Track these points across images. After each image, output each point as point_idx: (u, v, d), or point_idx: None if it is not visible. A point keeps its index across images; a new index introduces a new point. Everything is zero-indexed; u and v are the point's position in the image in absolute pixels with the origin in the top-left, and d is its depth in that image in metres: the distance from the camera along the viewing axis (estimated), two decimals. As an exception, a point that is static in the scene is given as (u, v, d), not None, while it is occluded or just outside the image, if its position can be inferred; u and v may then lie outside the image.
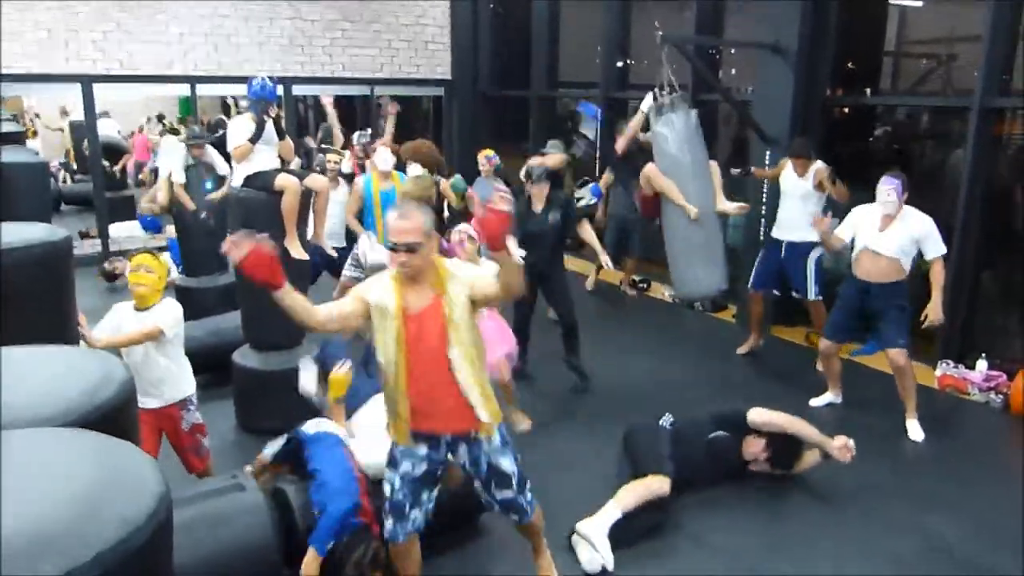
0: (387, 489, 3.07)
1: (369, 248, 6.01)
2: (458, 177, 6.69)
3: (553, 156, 6.59)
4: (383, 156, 6.17)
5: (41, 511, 1.20)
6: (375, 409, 3.64)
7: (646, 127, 6.23)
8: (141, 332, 3.72)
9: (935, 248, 4.94)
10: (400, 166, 6.96)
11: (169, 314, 3.85)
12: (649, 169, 5.97)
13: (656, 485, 3.96)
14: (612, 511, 3.82)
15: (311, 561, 3.13)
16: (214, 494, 3.31)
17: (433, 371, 2.90)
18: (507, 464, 3.06)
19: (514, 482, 3.08)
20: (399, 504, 3.03)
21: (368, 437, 3.63)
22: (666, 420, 4.41)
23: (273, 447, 3.71)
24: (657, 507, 3.97)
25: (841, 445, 4.30)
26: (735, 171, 6.58)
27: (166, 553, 1.33)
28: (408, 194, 5.47)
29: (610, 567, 3.66)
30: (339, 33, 10.45)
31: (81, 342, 3.50)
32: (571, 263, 8.12)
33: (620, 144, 6.51)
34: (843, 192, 5.72)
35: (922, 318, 4.94)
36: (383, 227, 5.94)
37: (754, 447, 4.39)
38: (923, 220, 4.95)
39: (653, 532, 3.95)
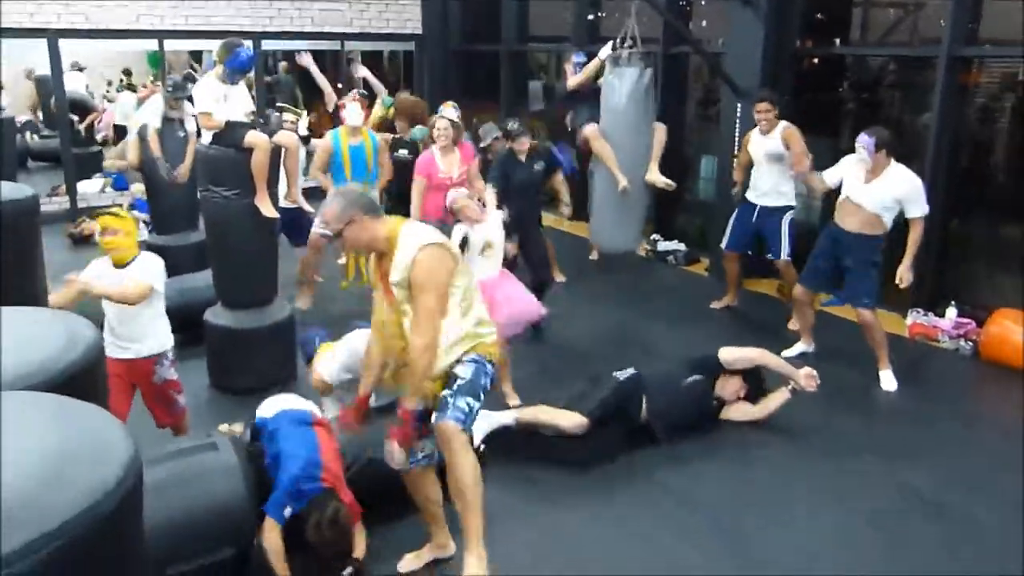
0: None
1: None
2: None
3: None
4: (353, 111, 6.09)
5: (4, 479, 1.18)
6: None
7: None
8: (135, 291, 3.72)
9: (917, 208, 4.95)
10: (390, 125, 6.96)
11: (152, 269, 3.86)
12: (589, 130, 5.99)
13: (565, 419, 4.17)
14: (507, 415, 4.19)
15: (268, 529, 3.11)
16: (187, 453, 3.30)
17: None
18: (462, 370, 3.06)
19: (457, 384, 3.04)
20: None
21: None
22: (623, 373, 4.45)
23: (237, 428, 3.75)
24: (584, 446, 4.16)
25: (807, 374, 4.48)
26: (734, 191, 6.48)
27: (136, 518, 1.33)
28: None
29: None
30: (308, -14, 10.24)
31: (62, 293, 3.50)
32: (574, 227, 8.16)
33: (571, 82, 6.42)
34: (801, 159, 5.56)
35: (897, 279, 4.98)
36: (353, 179, 5.98)
37: (731, 385, 4.57)
38: (908, 179, 4.95)
39: (575, 467, 4.11)
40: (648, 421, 4.37)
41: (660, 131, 6.12)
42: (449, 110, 6.29)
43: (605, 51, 6.01)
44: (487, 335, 3.13)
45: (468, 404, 3.01)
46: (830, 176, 5.26)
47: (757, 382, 4.64)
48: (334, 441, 3.45)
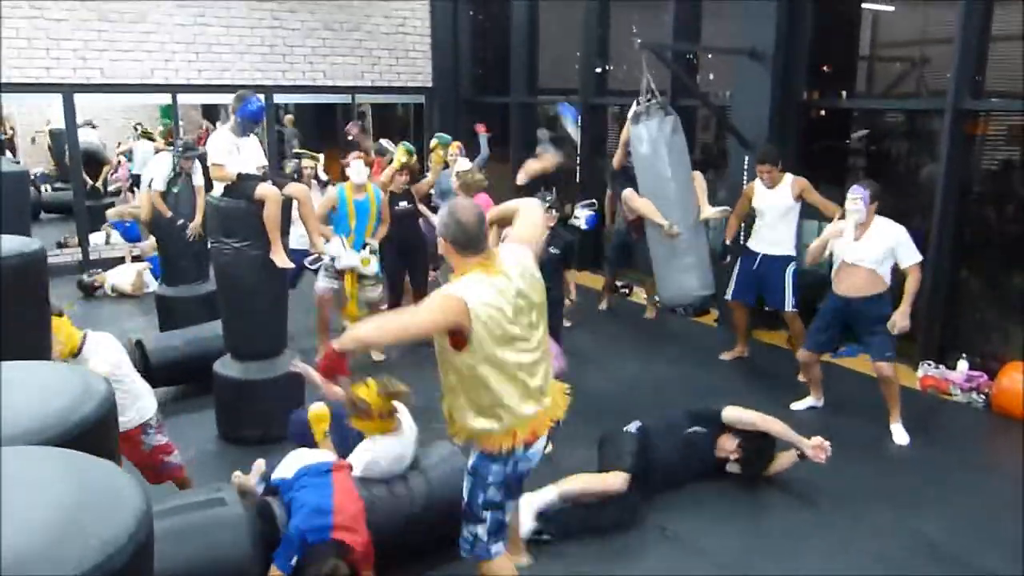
0: None
1: (341, 252, 6.09)
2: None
3: (545, 157, 6.73)
4: (357, 169, 6.19)
5: (16, 533, 1.17)
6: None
7: None
8: None
9: (910, 256, 4.96)
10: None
11: (104, 354, 3.78)
12: (626, 194, 6.06)
13: (611, 480, 4.04)
14: (549, 492, 3.93)
15: None
16: (195, 507, 3.28)
17: None
18: (464, 486, 3.04)
19: (462, 506, 3.04)
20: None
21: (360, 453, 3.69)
22: (632, 426, 4.42)
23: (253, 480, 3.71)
24: (621, 506, 4.03)
25: (816, 444, 4.33)
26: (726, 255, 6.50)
27: (148, 572, 1.33)
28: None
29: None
30: (320, 41, 10.45)
31: None
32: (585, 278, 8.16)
33: (616, 158, 6.62)
34: (828, 205, 5.72)
35: (889, 325, 4.96)
36: (355, 235, 6.15)
37: (727, 444, 4.47)
38: (895, 229, 4.98)
39: (619, 529, 4.00)
40: (646, 470, 4.29)
41: (699, 179, 6.20)
42: (463, 162, 7.11)
43: (630, 113, 6.12)
44: (495, 427, 2.87)
45: (471, 532, 2.99)
46: (818, 248, 5.25)
47: (760, 449, 4.48)
48: (351, 483, 3.43)
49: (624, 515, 4.06)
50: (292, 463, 3.56)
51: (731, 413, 4.49)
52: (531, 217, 3.20)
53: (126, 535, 1.22)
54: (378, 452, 3.64)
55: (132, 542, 1.22)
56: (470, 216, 2.83)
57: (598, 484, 4.05)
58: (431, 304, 2.80)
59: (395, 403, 3.62)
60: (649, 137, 5.88)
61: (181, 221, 6.92)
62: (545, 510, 3.91)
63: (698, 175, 6.23)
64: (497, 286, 2.78)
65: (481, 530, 2.97)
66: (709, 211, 6.11)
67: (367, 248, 6.17)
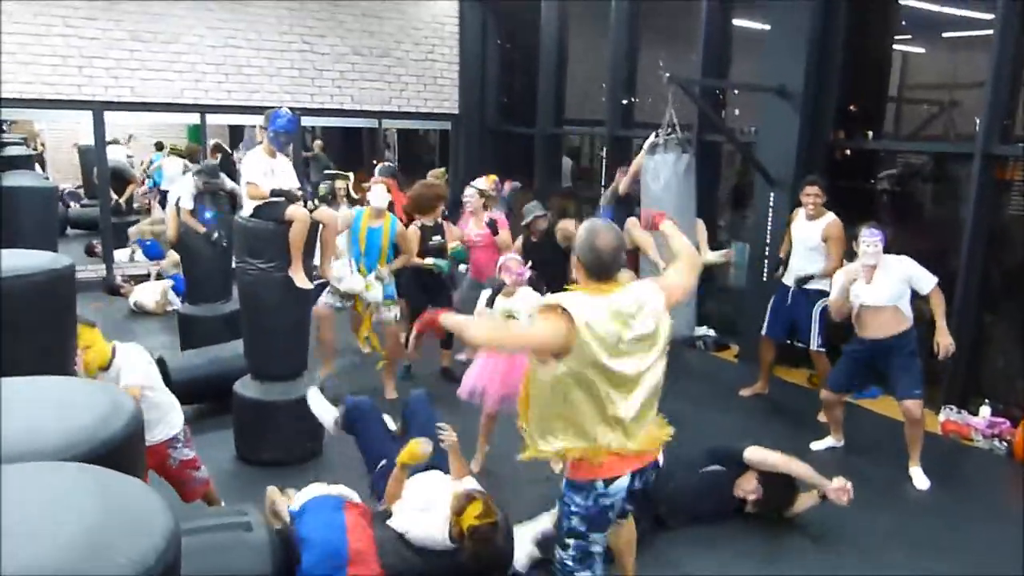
0: None
1: (345, 274, 6.00)
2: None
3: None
4: (377, 193, 6.12)
5: (47, 550, 1.17)
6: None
7: None
8: None
9: (927, 282, 4.90)
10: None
11: (132, 367, 3.77)
12: (628, 223, 6.05)
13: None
14: (544, 522, 3.89)
15: None
16: (219, 529, 3.26)
17: None
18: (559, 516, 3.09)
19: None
20: None
21: (414, 512, 3.59)
22: None
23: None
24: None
25: (839, 487, 4.25)
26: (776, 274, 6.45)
27: (174, 593, 1.32)
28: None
29: (520, 569, 3.76)
30: (349, 66, 10.57)
31: None
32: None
33: (623, 184, 6.61)
34: (836, 262, 5.66)
35: (935, 349, 4.89)
36: (365, 260, 6.06)
37: (747, 485, 4.40)
38: (903, 261, 4.95)
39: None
40: (660, 504, 4.24)
41: (700, 227, 6.19)
42: (480, 181, 7.11)
43: (649, 142, 6.14)
44: (567, 445, 2.88)
45: (559, 557, 3.04)
46: (833, 293, 5.20)
47: (781, 491, 4.41)
48: (367, 524, 3.39)
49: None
50: (304, 495, 3.57)
51: (754, 454, 4.40)
52: (687, 268, 3.15)
53: (154, 555, 1.22)
54: (417, 533, 3.49)
55: (160, 562, 1.22)
56: (608, 243, 2.81)
57: None
58: (546, 324, 2.76)
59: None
60: (663, 173, 5.89)
61: (216, 235, 6.95)
62: (542, 538, 3.87)
63: (699, 223, 6.26)
64: (607, 309, 2.75)
65: (567, 557, 3.00)
66: (710, 255, 6.12)
67: (374, 274, 6.05)
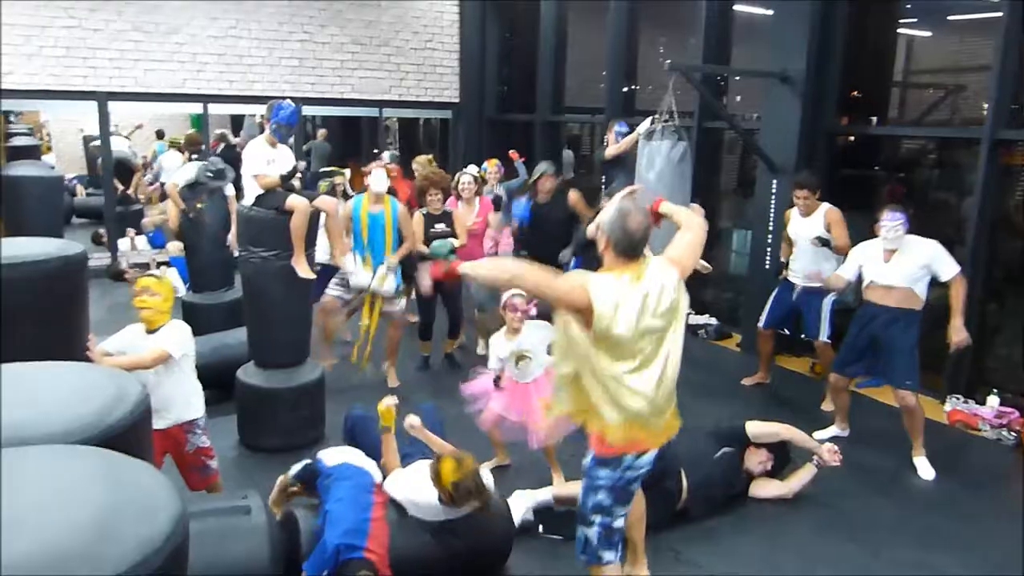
0: None
1: (355, 269, 5.92)
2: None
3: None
4: (377, 177, 6.02)
5: (58, 531, 1.20)
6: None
7: None
8: (150, 356, 3.70)
9: (949, 268, 4.83)
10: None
11: (175, 336, 3.82)
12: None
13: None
14: (544, 493, 4.14)
15: None
16: (219, 513, 3.29)
17: None
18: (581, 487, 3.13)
19: (578, 508, 3.14)
20: None
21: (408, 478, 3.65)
22: None
23: (295, 468, 3.70)
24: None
25: (829, 448, 4.57)
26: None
27: (181, 573, 1.34)
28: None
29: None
30: (349, 56, 10.56)
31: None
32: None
33: (610, 150, 6.59)
34: (845, 245, 5.59)
35: (948, 344, 4.86)
36: (370, 250, 5.95)
37: (758, 456, 4.57)
38: (928, 244, 4.87)
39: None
40: (687, 496, 4.28)
41: (697, 213, 6.13)
42: (473, 167, 7.18)
43: (644, 125, 6.09)
44: (613, 416, 2.88)
45: (583, 534, 3.08)
46: (846, 271, 5.18)
47: (782, 456, 4.67)
48: (385, 518, 3.40)
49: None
50: (338, 454, 3.60)
51: (755, 428, 4.61)
52: (693, 240, 3.18)
53: (163, 536, 1.24)
54: (424, 507, 3.53)
55: (169, 543, 1.24)
56: (638, 225, 2.89)
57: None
58: (567, 281, 2.87)
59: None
60: (657, 161, 5.85)
61: (195, 212, 6.93)
62: (540, 507, 4.12)
63: (697, 209, 6.18)
64: (632, 289, 2.82)
65: (591, 534, 3.04)
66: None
67: (384, 265, 5.93)
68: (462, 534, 3.54)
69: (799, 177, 5.98)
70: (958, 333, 4.82)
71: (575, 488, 4.04)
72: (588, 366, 2.85)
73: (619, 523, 3.08)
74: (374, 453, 3.80)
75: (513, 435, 4.59)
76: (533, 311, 4.63)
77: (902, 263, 4.90)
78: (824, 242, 5.69)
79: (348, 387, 6.05)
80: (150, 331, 3.83)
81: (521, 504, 4.07)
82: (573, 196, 6.67)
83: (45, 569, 1.12)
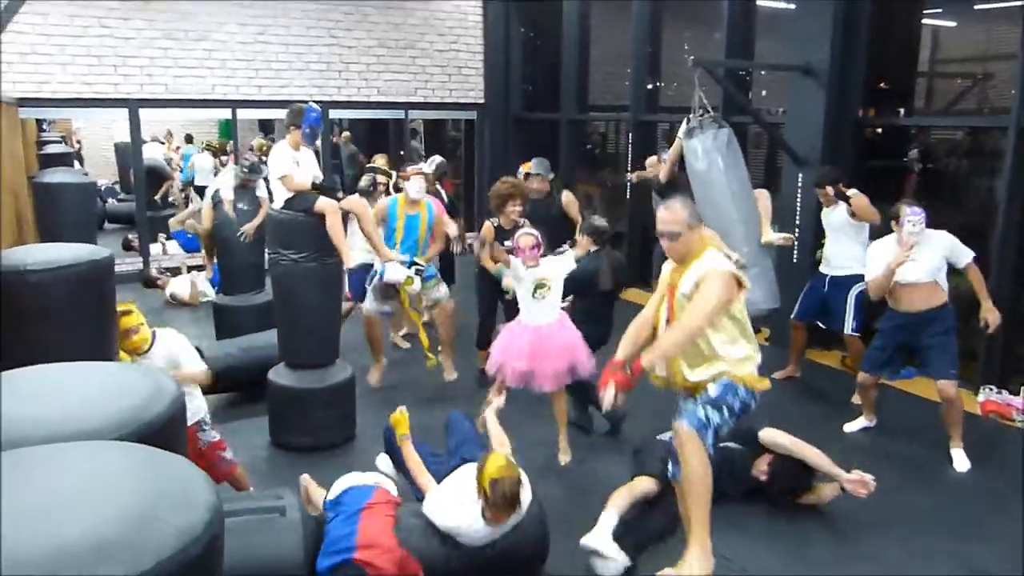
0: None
1: (388, 266, 5.87)
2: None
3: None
4: (415, 186, 6.04)
5: (100, 521, 1.24)
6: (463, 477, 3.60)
7: None
8: (200, 375, 4.02)
9: (965, 255, 4.92)
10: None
11: (181, 346, 4.02)
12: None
13: (640, 485, 4.11)
14: (609, 516, 3.91)
15: None
16: (253, 511, 3.34)
17: None
18: (712, 388, 3.41)
19: (705, 396, 3.41)
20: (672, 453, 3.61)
21: (447, 498, 3.53)
22: (665, 435, 4.30)
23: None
24: (663, 511, 4.01)
25: (855, 479, 4.14)
26: None
27: (218, 564, 1.38)
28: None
29: (627, 563, 3.75)
30: (375, 58, 10.65)
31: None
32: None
33: (663, 172, 6.59)
34: (870, 212, 5.65)
35: (982, 324, 4.90)
36: (401, 249, 5.96)
37: (760, 465, 4.42)
38: (942, 235, 4.95)
39: (666, 537, 3.97)
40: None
41: (764, 197, 6.14)
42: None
43: (682, 129, 6.09)
44: (747, 367, 3.43)
45: (706, 414, 3.38)
46: (874, 271, 5.11)
47: (795, 474, 4.36)
48: (388, 511, 3.44)
49: (668, 524, 4.01)
50: (340, 484, 3.60)
51: (767, 435, 4.42)
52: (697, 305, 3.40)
53: (201, 525, 1.28)
54: (465, 525, 3.39)
55: (207, 532, 1.28)
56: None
57: (631, 492, 4.09)
58: (718, 289, 3.26)
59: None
60: (704, 150, 5.84)
61: (241, 236, 7.09)
62: (616, 530, 3.87)
63: (763, 193, 6.17)
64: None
65: (717, 418, 3.39)
66: (771, 236, 6.03)
67: (414, 268, 5.90)
68: (496, 543, 3.47)
69: (819, 175, 6.04)
70: (991, 312, 4.90)
71: (623, 494, 4.09)
72: (739, 325, 3.42)
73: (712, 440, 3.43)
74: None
75: (520, 381, 4.68)
76: (541, 248, 4.80)
77: (923, 257, 4.90)
78: (844, 227, 5.82)
79: (381, 387, 6.15)
80: (140, 355, 3.89)
81: (604, 546, 3.78)
82: (567, 198, 6.64)
83: (89, 556, 1.16)
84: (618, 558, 3.74)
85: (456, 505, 3.41)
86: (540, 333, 4.73)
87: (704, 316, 3.25)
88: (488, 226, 5.86)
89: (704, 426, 3.36)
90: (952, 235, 4.94)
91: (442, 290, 6.25)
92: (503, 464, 3.35)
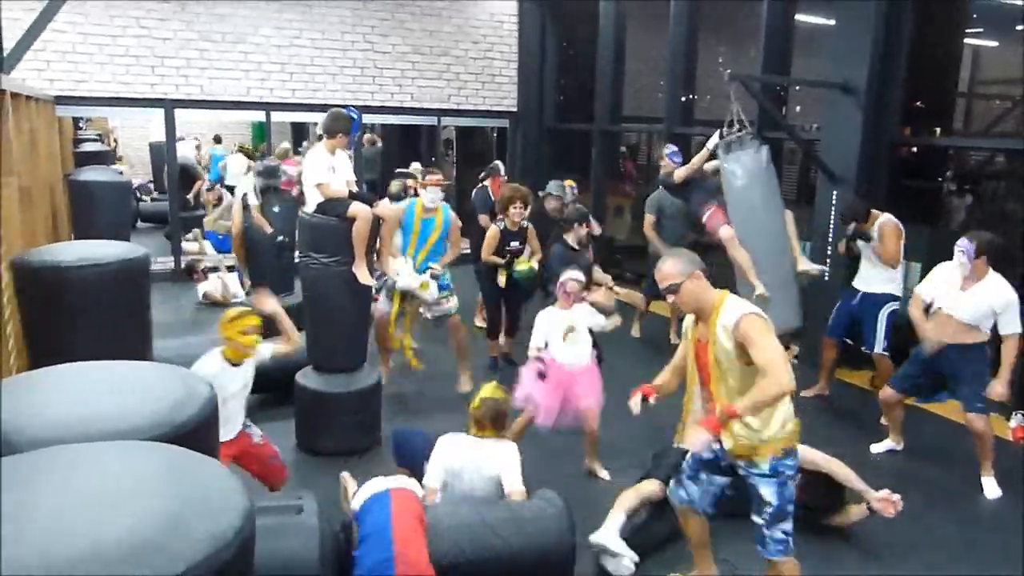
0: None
1: (403, 271, 5.94)
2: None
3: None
4: (432, 196, 6.05)
5: (134, 524, 1.24)
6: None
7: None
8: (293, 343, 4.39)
9: (1011, 324, 4.72)
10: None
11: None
12: (725, 234, 5.97)
13: (647, 488, 4.15)
14: (616, 515, 3.99)
15: None
16: (269, 511, 3.33)
17: (707, 396, 3.33)
18: (767, 493, 3.20)
19: (767, 512, 3.21)
20: (680, 472, 3.53)
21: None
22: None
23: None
24: (666, 520, 4.03)
25: (883, 497, 4.10)
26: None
27: (249, 567, 1.38)
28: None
29: (636, 559, 3.84)
30: (409, 64, 10.70)
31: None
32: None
33: (680, 172, 6.49)
34: (887, 254, 5.68)
35: (989, 393, 4.76)
36: (415, 252, 6.02)
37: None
38: (1004, 292, 4.72)
39: (673, 538, 4.00)
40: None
41: (790, 217, 6.12)
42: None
43: (713, 140, 6.05)
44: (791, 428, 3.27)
45: (783, 531, 3.22)
46: (925, 290, 5.02)
47: (825, 491, 4.29)
48: (414, 506, 3.44)
49: (671, 532, 4.03)
50: (362, 494, 3.58)
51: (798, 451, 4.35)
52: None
53: (233, 531, 1.28)
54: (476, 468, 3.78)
55: (238, 538, 1.28)
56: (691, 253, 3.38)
57: (638, 494, 4.13)
58: (769, 336, 3.09)
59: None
60: (745, 171, 5.80)
61: (281, 237, 7.14)
62: (623, 531, 3.96)
63: (788, 213, 6.14)
64: None
65: (789, 526, 3.21)
66: (807, 266, 6.03)
67: (428, 272, 5.97)
68: (502, 531, 3.50)
69: (843, 211, 6.08)
70: (1001, 386, 4.71)
71: (630, 495, 4.13)
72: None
73: None
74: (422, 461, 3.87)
75: (566, 421, 4.70)
76: (583, 296, 4.92)
77: (975, 298, 4.76)
78: (864, 236, 5.80)
79: (406, 392, 6.14)
80: (236, 364, 4.00)
81: (613, 543, 3.88)
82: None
83: (121, 559, 1.16)
84: (627, 555, 3.83)
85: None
86: (572, 372, 4.72)
87: (783, 368, 3.03)
88: (494, 230, 6.36)
89: (787, 546, 3.23)
90: (1014, 299, 4.72)
91: (452, 302, 6.23)
92: (496, 390, 3.97)
